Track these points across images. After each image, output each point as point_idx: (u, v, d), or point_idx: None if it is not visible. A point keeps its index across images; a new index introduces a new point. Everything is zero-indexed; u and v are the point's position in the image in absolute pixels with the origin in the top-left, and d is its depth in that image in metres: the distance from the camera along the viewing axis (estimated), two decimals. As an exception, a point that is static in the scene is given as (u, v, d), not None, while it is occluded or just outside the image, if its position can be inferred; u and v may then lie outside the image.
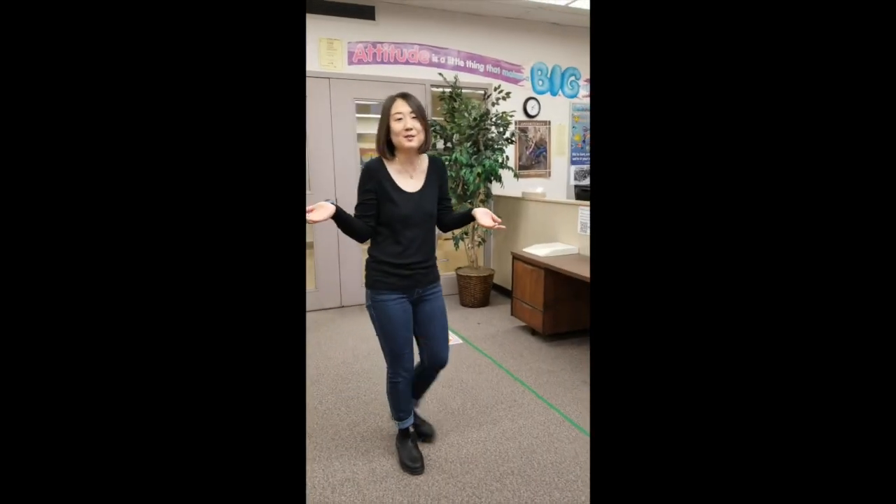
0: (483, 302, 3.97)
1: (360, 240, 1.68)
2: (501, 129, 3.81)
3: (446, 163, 3.81)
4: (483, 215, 1.64)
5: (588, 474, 1.82)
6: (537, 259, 3.12)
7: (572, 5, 3.86)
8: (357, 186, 1.68)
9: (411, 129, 1.58)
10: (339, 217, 1.54)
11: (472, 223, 1.80)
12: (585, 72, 4.72)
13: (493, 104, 3.92)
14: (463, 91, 3.86)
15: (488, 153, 3.71)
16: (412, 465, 1.85)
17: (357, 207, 1.66)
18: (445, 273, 4.16)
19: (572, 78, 4.68)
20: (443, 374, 2.67)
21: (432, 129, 3.86)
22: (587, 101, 4.79)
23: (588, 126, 4.84)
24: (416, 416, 2.04)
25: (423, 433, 2.06)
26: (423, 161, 1.72)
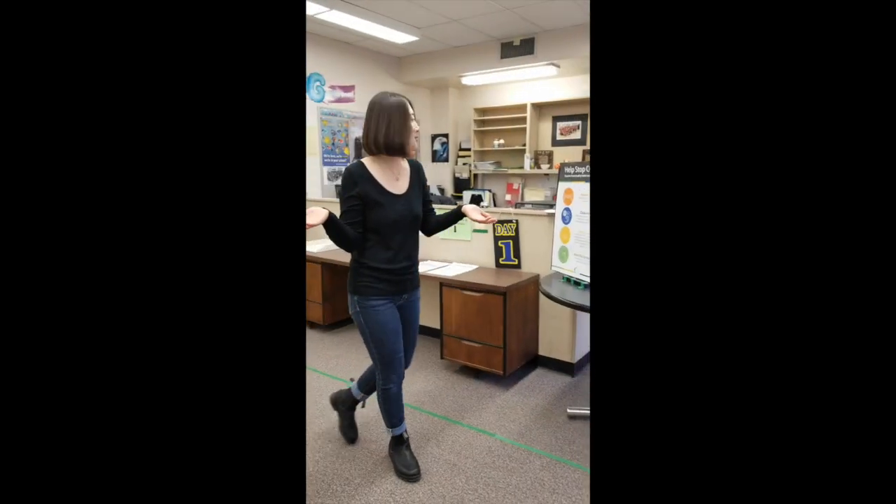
0: (251, 305, 3.86)
1: (351, 249, 1.61)
2: (257, 129, 3.76)
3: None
4: (473, 211, 1.67)
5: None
6: (311, 255, 3.27)
7: (318, 16, 4.09)
8: (339, 193, 1.61)
9: (418, 132, 1.65)
10: (333, 223, 1.47)
11: (458, 221, 1.78)
12: (330, 79, 5.01)
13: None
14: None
15: (246, 152, 3.63)
16: (408, 472, 1.79)
17: (343, 215, 1.57)
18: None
19: (317, 83, 4.91)
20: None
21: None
22: (333, 106, 5.10)
23: (336, 130, 5.16)
24: (353, 394, 2.01)
25: (349, 437, 2.04)
26: (404, 163, 1.71)
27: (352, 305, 1.68)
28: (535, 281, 2.66)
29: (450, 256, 3.05)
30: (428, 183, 1.81)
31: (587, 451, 1.97)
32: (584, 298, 1.91)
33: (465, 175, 6.11)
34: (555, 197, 3.35)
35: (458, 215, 1.71)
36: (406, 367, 1.81)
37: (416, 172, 1.72)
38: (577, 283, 2.13)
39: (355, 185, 1.56)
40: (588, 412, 2.26)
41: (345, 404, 2.05)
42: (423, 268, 2.82)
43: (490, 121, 5.87)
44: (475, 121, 6.01)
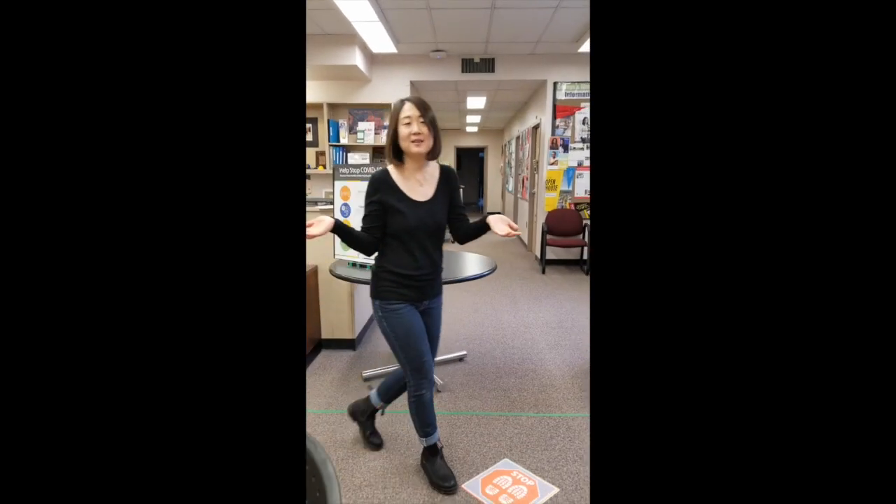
0: None
1: (366, 252, 1.63)
2: None
3: None
4: (498, 222, 1.52)
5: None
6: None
7: None
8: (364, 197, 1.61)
9: (419, 134, 1.54)
10: (340, 230, 1.52)
11: (486, 232, 1.64)
12: None
13: None
14: None
15: None
16: (444, 484, 1.75)
17: (363, 219, 1.61)
18: None
19: None
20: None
21: None
22: None
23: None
24: (373, 418, 2.07)
25: (374, 443, 2.04)
26: (434, 169, 1.68)
27: (375, 310, 1.68)
28: (314, 272, 2.92)
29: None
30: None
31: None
32: (367, 275, 2.35)
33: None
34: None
35: (484, 227, 1.62)
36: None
37: (446, 179, 1.68)
38: (362, 265, 2.54)
39: (376, 192, 1.59)
40: (380, 370, 2.71)
41: (364, 414, 2.05)
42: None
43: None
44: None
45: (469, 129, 11.94)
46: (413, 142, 1.54)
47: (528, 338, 3.33)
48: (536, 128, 6.19)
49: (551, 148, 5.51)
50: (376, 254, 1.67)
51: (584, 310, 4.00)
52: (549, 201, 5.57)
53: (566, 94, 5.42)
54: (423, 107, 1.55)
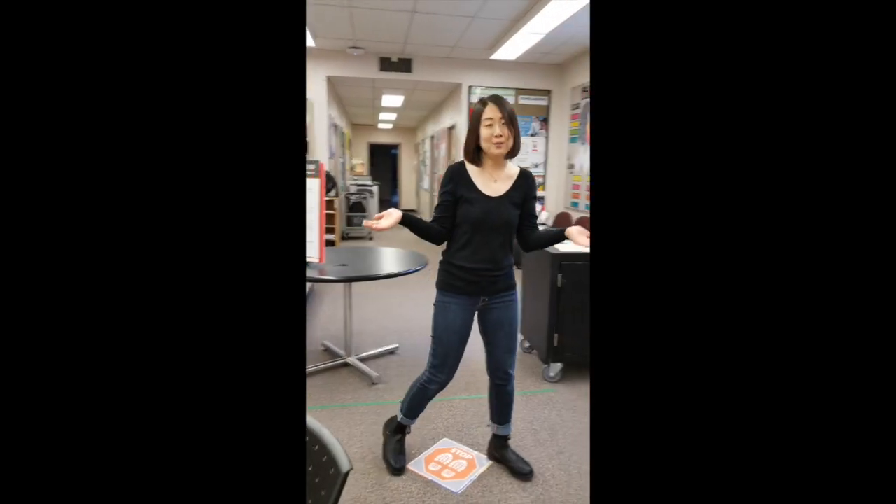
0: None
1: (434, 241, 1.70)
2: None
3: None
4: (579, 235, 1.50)
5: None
6: None
7: None
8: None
9: (500, 136, 1.56)
10: (408, 221, 1.61)
11: (560, 243, 1.58)
12: None
13: None
14: None
15: None
16: (395, 464, 1.85)
17: (435, 209, 1.68)
18: None
19: None
20: None
21: None
22: None
23: None
24: (511, 452, 1.92)
25: (518, 472, 1.85)
26: (512, 169, 1.70)
27: (436, 297, 1.74)
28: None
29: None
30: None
31: (331, 397, 2.47)
32: (311, 273, 2.39)
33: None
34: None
35: (560, 237, 1.63)
36: (502, 372, 1.80)
37: (523, 182, 1.68)
38: (307, 263, 2.56)
39: (450, 182, 1.66)
40: (316, 367, 2.73)
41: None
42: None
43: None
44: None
45: (382, 125, 11.95)
46: (494, 144, 1.58)
47: (454, 328, 3.51)
48: (452, 129, 6.42)
49: (467, 148, 5.75)
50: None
51: (503, 300, 4.27)
52: (466, 199, 5.81)
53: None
54: (503, 106, 1.57)
